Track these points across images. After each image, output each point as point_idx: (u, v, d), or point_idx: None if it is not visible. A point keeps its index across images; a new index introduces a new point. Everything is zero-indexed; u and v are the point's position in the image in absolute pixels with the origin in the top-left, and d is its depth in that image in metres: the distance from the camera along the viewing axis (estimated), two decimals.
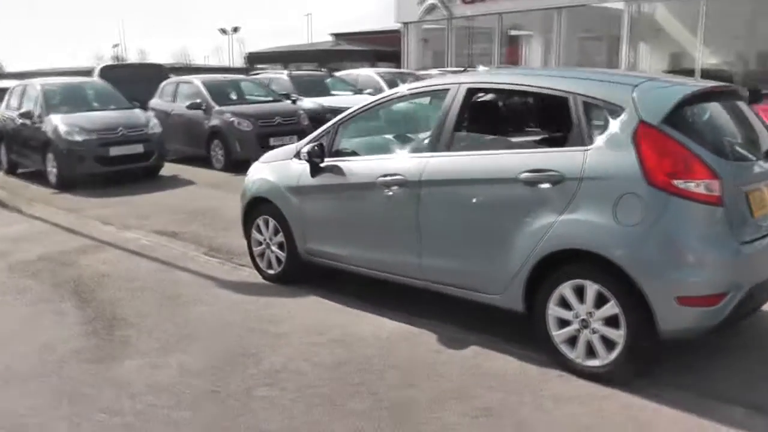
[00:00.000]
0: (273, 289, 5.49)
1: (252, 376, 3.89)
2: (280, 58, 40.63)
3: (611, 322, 3.68)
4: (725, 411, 3.41)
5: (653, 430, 3.30)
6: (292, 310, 4.96)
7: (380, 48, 36.08)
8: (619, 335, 3.65)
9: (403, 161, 4.64)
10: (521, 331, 4.29)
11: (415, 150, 4.79)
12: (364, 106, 5.15)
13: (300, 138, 11.94)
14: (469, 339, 4.34)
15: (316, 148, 5.04)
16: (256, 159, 6.04)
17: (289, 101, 13.23)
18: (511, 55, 27.70)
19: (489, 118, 4.65)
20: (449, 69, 20.10)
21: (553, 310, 3.89)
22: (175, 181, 11.19)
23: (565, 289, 3.82)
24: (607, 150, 3.69)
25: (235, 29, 54.74)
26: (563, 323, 3.88)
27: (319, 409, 3.51)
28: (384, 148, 5.10)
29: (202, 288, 5.54)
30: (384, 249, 4.76)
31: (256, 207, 5.74)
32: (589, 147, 3.75)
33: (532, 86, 4.27)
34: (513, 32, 27.67)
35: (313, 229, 5.25)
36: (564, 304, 3.85)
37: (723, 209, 3.53)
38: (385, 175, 4.61)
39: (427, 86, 5.08)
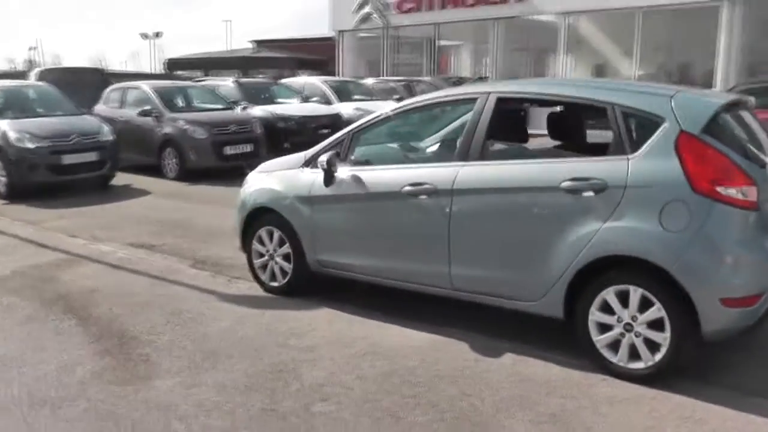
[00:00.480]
0: (279, 302, 5.35)
1: (300, 392, 3.77)
2: (201, 64, 39.77)
3: (655, 325, 3.79)
4: None
5: (708, 428, 3.41)
6: (311, 323, 4.85)
7: (303, 56, 35.98)
8: (664, 338, 3.76)
9: (431, 170, 4.62)
10: (550, 337, 4.40)
11: (441, 159, 4.80)
12: (382, 114, 5.10)
13: (255, 146, 11.89)
14: (501, 347, 4.37)
15: (333, 157, 4.96)
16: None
17: (238, 109, 12.96)
18: (441, 65, 28.26)
19: (523, 127, 4.72)
20: (391, 78, 20.23)
21: (595, 316, 3.97)
22: (129, 191, 10.75)
23: (609, 295, 3.91)
24: (650, 158, 3.81)
25: (157, 34, 53.19)
26: (604, 328, 3.96)
27: (384, 423, 3.45)
28: (403, 158, 5.07)
29: (203, 303, 5.34)
30: (408, 258, 4.73)
31: (258, 218, 5.60)
32: (631, 155, 3.87)
33: (567, 96, 4.36)
34: (443, 42, 28.23)
35: (326, 240, 5.16)
36: (606, 309, 3.94)
37: (757, 213, 3.71)
38: (413, 184, 4.59)
39: (451, 95, 5.09)
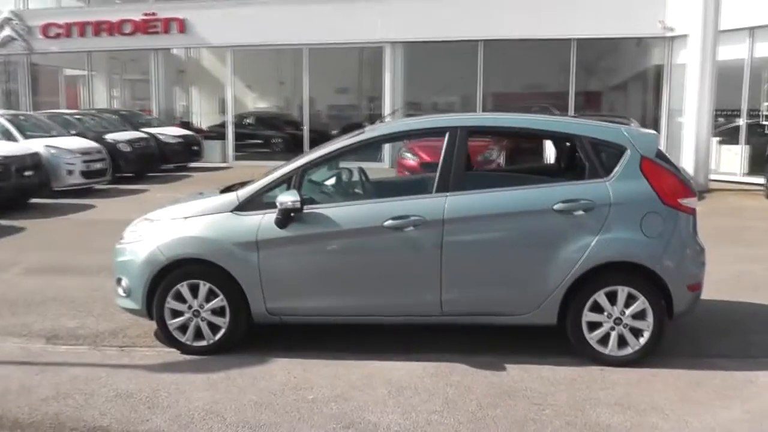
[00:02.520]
0: (224, 362, 4.75)
1: None
2: None
3: (639, 316, 4.60)
4: (721, 363, 4.70)
5: (708, 385, 4.33)
6: (296, 376, 4.52)
7: None
8: (647, 324, 4.60)
9: (413, 202, 4.74)
10: (513, 344, 4.99)
11: (412, 191, 4.94)
12: (337, 149, 4.99)
13: None
14: (497, 361, 4.71)
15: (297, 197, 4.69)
16: None
17: None
18: (71, 95, 26.26)
19: (501, 157, 5.11)
20: (65, 111, 18.13)
21: (588, 316, 4.63)
22: None
23: (600, 296, 4.61)
24: (623, 180, 4.62)
25: None
26: (594, 325, 4.64)
27: None
28: (369, 192, 5.02)
29: (135, 380, 4.50)
30: (393, 291, 4.76)
31: (172, 272, 4.92)
32: (607, 178, 4.64)
33: (537, 130, 4.93)
34: (70, 72, 26.23)
35: (282, 286, 4.83)
36: (596, 309, 4.63)
37: (694, 217, 4.82)
38: (396, 218, 4.65)
39: (417, 128, 5.20)
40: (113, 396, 4.24)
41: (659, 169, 4.69)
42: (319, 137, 21.99)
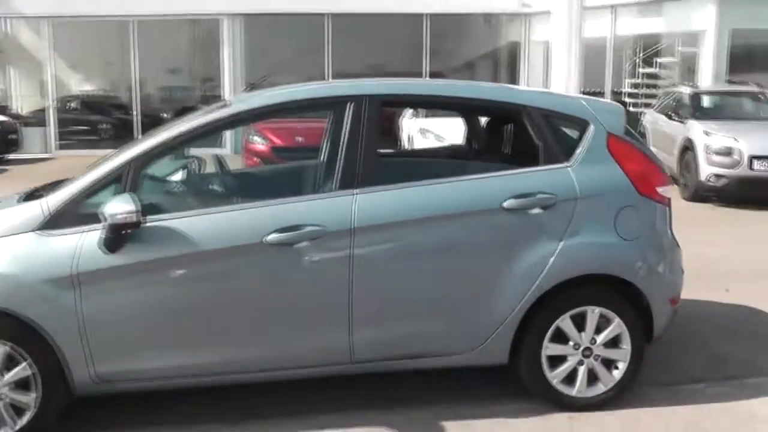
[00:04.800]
0: None
1: None
2: None
3: (613, 342, 3.50)
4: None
5: (707, 429, 3.36)
6: None
7: None
8: (623, 354, 3.51)
9: (310, 205, 3.28)
10: (453, 385, 3.79)
11: (306, 189, 3.47)
12: (187, 130, 3.38)
13: None
14: (429, 418, 3.44)
15: (134, 205, 3.07)
16: None
17: None
18: None
19: (426, 135, 3.72)
20: None
21: (549, 349, 3.46)
22: None
23: (564, 322, 3.44)
24: (589, 165, 3.46)
25: None
26: (557, 360, 3.48)
27: None
28: (237, 191, 3.48)
29: None
30: (280, 336, 3.31)
31: None
32: (568, 163, 3.45)
33: (473, 99, 3.61)
34: None
35: (117, 338, 3.21)
36: (559, 338, 3.46)
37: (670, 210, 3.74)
38: (283, 230, 3.19)
39: (302, 97, 3.62)
40: None
41: (630, 148, 3.59)
42: (151, 123, 19.79)
